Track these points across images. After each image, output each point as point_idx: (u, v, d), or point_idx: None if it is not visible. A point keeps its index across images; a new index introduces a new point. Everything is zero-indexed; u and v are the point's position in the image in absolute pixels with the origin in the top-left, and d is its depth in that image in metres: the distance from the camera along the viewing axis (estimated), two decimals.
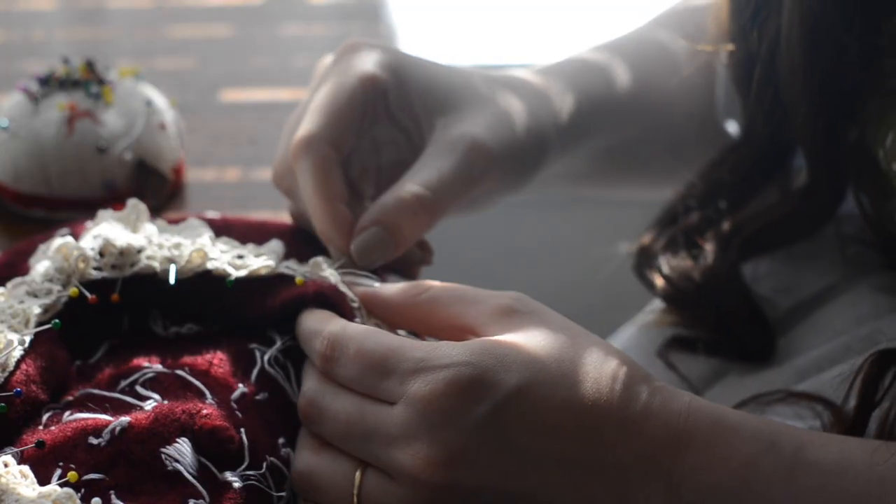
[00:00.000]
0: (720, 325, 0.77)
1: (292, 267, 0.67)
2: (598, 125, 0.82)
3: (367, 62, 0.71)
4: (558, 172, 0.82)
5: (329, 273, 0.66)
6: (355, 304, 0.65)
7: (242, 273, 0.66)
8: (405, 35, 1.56)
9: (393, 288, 0.64)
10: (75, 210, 0.84)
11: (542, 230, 1.69)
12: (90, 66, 0.88)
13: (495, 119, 0.72)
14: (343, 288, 0.66)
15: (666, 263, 0.78)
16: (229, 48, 1.14)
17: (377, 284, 0.66)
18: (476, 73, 0.76)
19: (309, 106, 0.71)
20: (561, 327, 0.60)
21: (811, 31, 0.70)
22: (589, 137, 0.81)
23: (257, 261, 0.67)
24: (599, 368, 0.58)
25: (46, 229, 0.73)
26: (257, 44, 1.14)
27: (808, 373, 0.72)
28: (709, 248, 0.77)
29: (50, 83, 0.87)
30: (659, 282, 0.78)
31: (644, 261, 0.80)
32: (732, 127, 0.84)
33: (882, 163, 0.69)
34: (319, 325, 0.63)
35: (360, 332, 0.61)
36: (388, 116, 0.72)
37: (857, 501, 0.56)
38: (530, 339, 0.58)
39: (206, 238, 0.68)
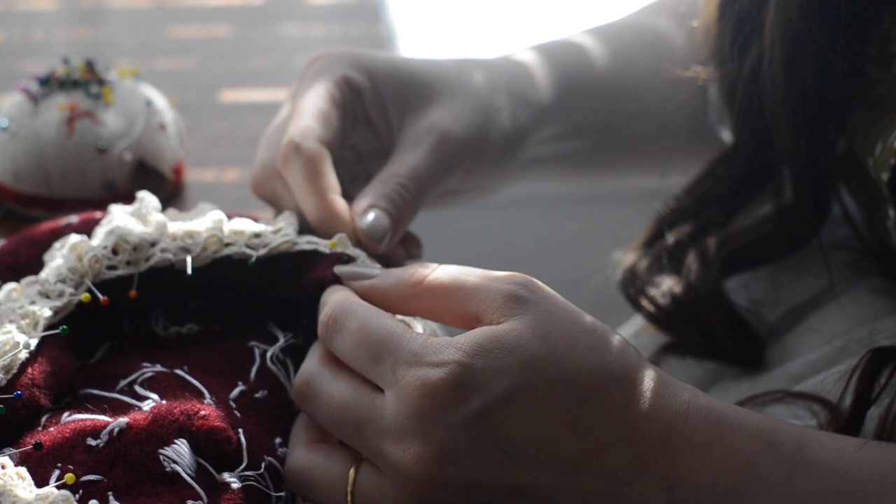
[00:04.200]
0: (705, 341, 0.76)
1: (314, 241, 0.67)
2: (576, 103, 0.81)
3: (339, 67, 0.73)
4: (545, 156, 0.81)
5: (352, 251, 0.66)
6: None
7: (262, 252, 0.66)
8: (405, 35, 1.56)
9: (390, 279, 0.63)
10: (75, 210, 0.84)
11: (536, 230, 1.69)
12: (90, 66, 0.88)
13: (464, 107, 0.73)
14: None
15: (650, 284, 0.78)
16: (229, 48, 1.14)
17: (377, 271, 0.64)
18: (447, 61, 0.77)
19: (290, 115, 0.71)
20: (565, 317, 0.59)
21: (792, 52, 0.69)
22: (567, 115, 0.81)
23: (276, 237, 0.66)
24: (601, 369, 0.57)
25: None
26: (257, 44, 1.14)
27: (803, 375, 0.72)
28: (691, 266, 0.77)
29: (50, 83, 0.87)
30: (644, 303, 0.77)
31: (630, 281, 0.79)
32: (726, 135, 0.84)
33: (871, 172, 0.68)
34: (331, 296, 0.63)
35: (365, 310, 0.60)
36: (365, 119, 0.74)
37: (857, 501, 0.56)
38: (531, 335, 0.57)
39: (219, 221, 0.67)
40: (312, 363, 0.62)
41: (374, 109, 0.73)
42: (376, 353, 0.59)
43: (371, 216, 0.68)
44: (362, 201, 0.69)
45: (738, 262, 0.77)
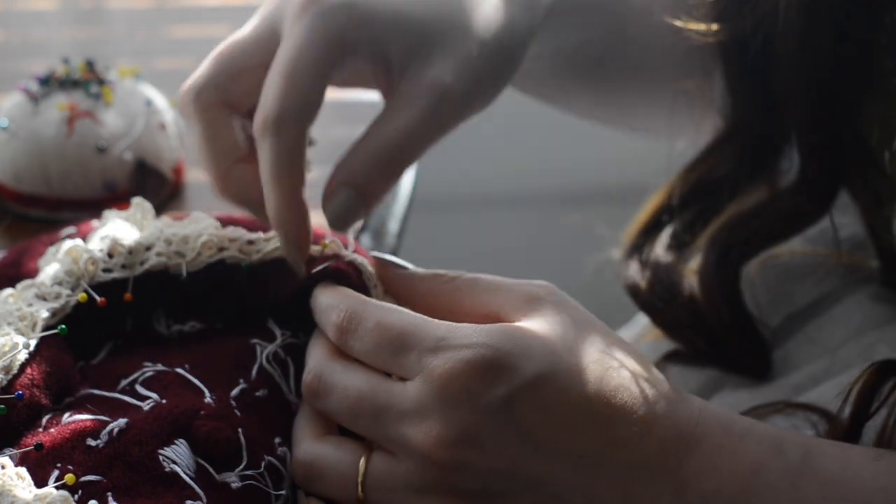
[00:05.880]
0: (711, 348, 0.76)
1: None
2: (571, 20, 0.77)
3: (334, 23, 0.64)
4: (523, 71, 0.75)
5: (348, 253, 0.66)
6: (371, 283, 0.65)
7: (256, 257, 0.66)
8: None
9: (419, 274, 0.64)
10: (75, 210, 0.84)
11: (535, 231, 1.69)
12: (90, 66, 0.88)
13: (468, 58, 0.67)
14: (361, 260, 0.65)
15: (656, 283, 0.76)
16: None
17: (410, 268, 0.65)
18: None
19: (273, 66, 0.64)
20: (585, 320, 0.60)
21: (809, 16, 0.68)
22: (561, 31, 0.77)
23: (269, 244, 0.67)
24: (618, 367, 0.58)
25: (47, 229, 0.73)
26: None
27: (804, 387, 0.71)
28: (703, 261, 0.75)
29: (50, 83, 0.87)
30: (648, 303, 0.76)
31: (634, 278, 0.78)
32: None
33: (887, 165, 0.68)
34: (337, 298, 0.62)
35: (380, 307, 0.60)
36: (357, 62, 0.67)
37: None
38: (553, 329, 0.58)
39: (212, 228, 0.68)
40: (320, 358, 0.61)
41: (372, 64, 0.67)
42: (400, 346, 0.58)
43: (337, 200, 0.64)
44: (335, 177, 0.64)
45: (744, 247, 0.75)
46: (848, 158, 0.72)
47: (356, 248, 0.67)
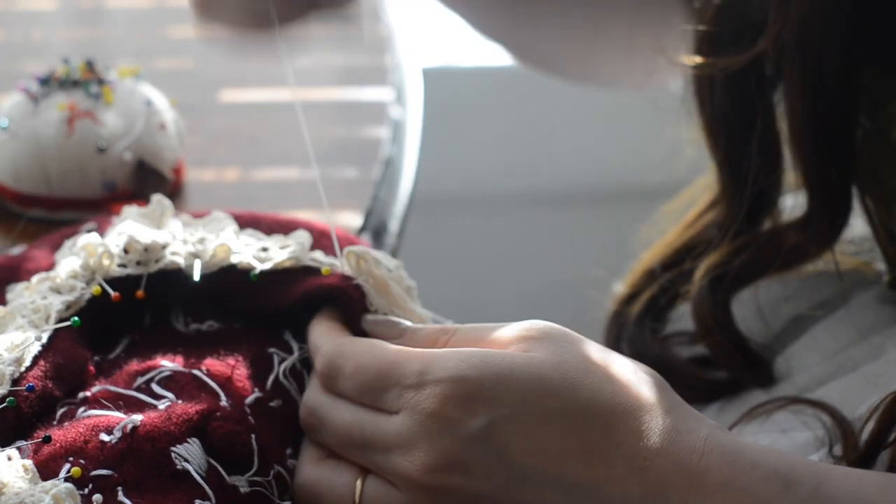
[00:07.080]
0: (709, 384, 0.75)
1: (318, 259, 0.67)
2: None
3: None
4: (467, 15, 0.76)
5: (360, 268, 0.66)
6: (373, 306, 0.65)
7: (267, 266, 0.66)
8: (405, 36, 1.56)
9: (420, 334, 0.62)
10: (75, 210, 0.84)
11: (535, 230, 1.69)
12: (90, 66, 0.88)
13: None
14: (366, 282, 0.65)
15: (638, 342, 0.76)
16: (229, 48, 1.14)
17: (407, 324, 0.64)
18: None
19: None
20: (582, 350, 0.58)
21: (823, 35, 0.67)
22: None
23: (281, 253, 0.67)
24: (614, 399, 0.57)
25: (48, 229, 0.73)
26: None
27: (809, 389, 0.70)
28: (696, 300, 0.73)
29: (50, 83, 0.87)
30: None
31: (617, 332, 0.78)
32: None
33: None
34: (321, 340, 0.62)
35: (357, 349, 0.60)
36: None
37: None
38: (543, 359, 0.57)
39: (230, 231, 0.68)
40: (313, 393, 0.62)
41: None
42: (380, 386, 0.59)
43: None
44: None
45: (743, 276, 0.74)
46: (862, 158, 0.70)
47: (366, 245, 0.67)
